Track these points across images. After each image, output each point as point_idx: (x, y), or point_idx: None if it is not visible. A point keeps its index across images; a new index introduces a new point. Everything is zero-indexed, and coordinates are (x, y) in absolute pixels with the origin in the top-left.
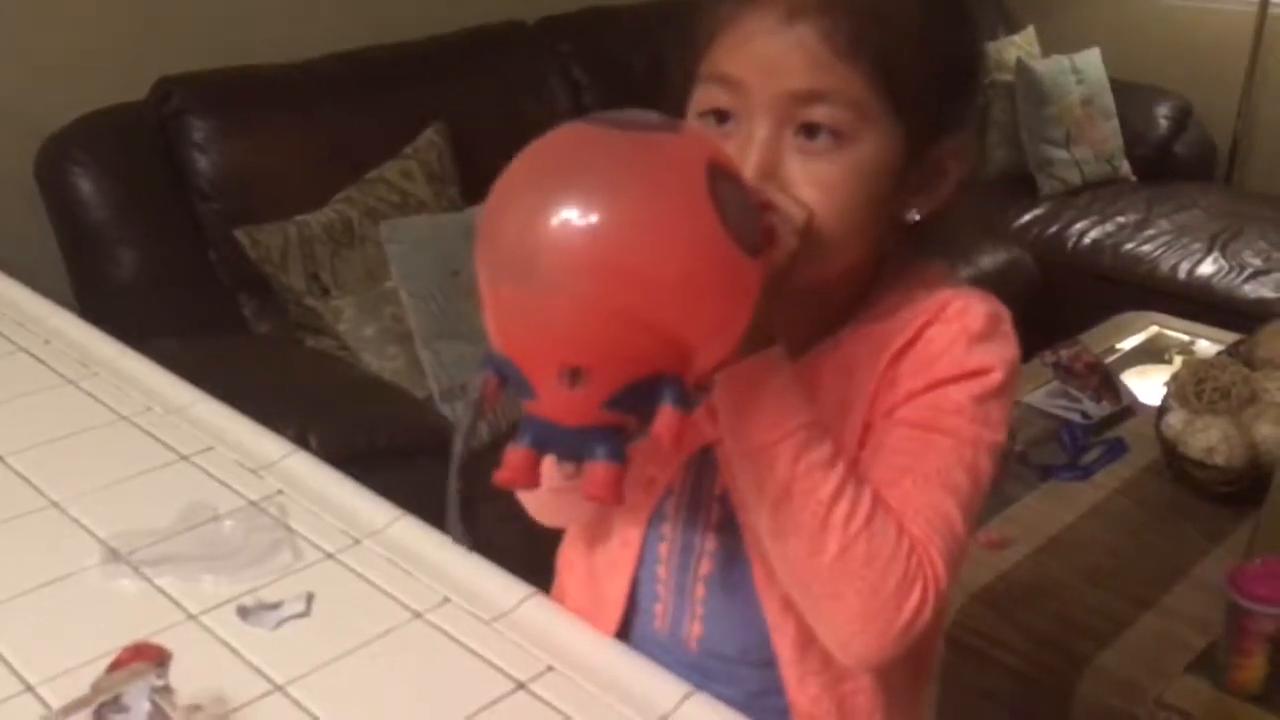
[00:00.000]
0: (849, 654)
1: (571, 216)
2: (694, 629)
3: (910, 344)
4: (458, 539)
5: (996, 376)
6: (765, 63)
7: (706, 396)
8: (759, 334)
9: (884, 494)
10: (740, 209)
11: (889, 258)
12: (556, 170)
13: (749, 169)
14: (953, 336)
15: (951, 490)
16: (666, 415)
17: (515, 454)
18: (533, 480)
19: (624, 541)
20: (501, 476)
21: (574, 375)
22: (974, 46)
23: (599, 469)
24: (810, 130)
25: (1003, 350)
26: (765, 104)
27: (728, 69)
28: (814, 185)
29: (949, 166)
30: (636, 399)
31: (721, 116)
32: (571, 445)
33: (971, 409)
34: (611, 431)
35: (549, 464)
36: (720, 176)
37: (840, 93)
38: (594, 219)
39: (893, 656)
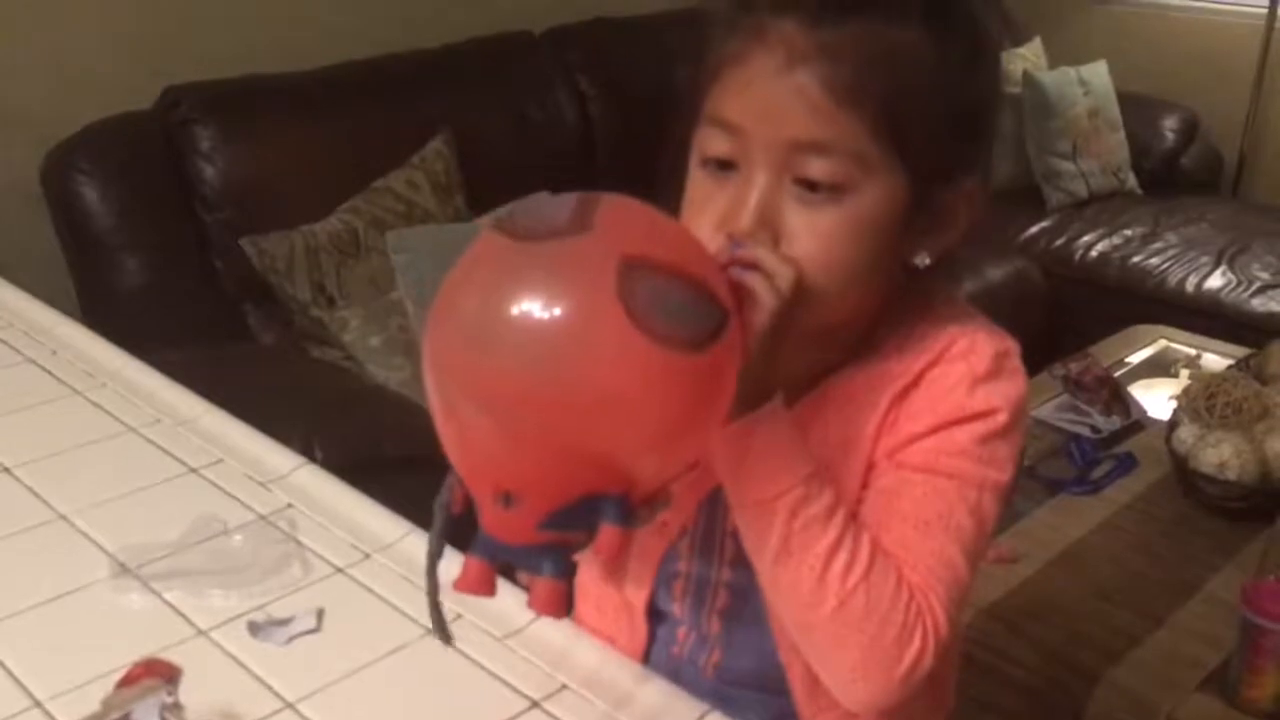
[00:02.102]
0: (851, 701)
1: (478, 348)
2: (712, 656)
3: (913, 385)
4: (440, 635)
5: (1001, 418)
6: (765, 110)
7: (665, 507)
8: (757, 389)
9: (885, 540)
10: (669, 303)
11: (896, 294)
12: (467, 302)
13: (745, 218)
14: (957, 378)
15: (954, 534)
16: (606, 534)
17: (471, 565)
18: (488, 590)
19: (637, 583)
20: (458, 586)
21: (505, 498)
22: (987, 91)
23: (541, 586)
24: (809, 180)
25: (1008, 390)
26: (764, 151)
27: (728, 114)
28: (813, 236)
29: (959, 211)
30: (575, 517)
31: (723, 163)
32: (517, 560)
33: (976, 451)
34: (553, 549)
35: None
36: (638, 272)
37: (840, 143)
38: (496, 349)
39: (895, 703)
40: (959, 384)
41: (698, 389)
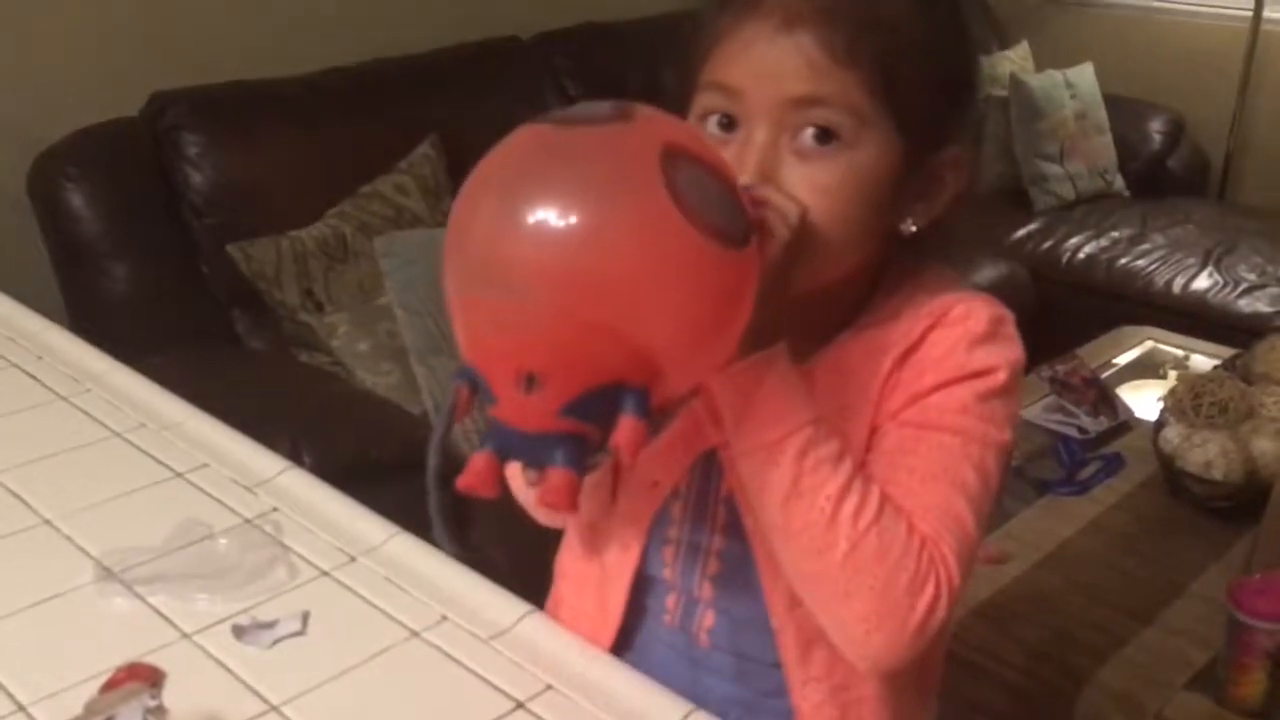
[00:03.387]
0: (864, 655)
1: (517, 222)
2: (704, 621)
3: (914, 348)
4: (447, 550)
5: (1000, 376)
6: (764, 70)
7: (671, 420)
8: (761, 335)
9: (892, 494)
10: (708, 194)
11: (889, 264)
12: (505, 177)
13: (747, 173)
14: (955, 339)
15: (960, 488)
16: (626, 426)
17: (478, 459)
18: (493, 487)
19: (624, 545)
20: (463, 481)
21: (529, 380)
22: (972, 58)
23: (556, 475)
24: (808, 135)
25: (1006, 351)
26: (764, 110)
27: (726, 77)
28: (811, 188)
29: (946, 177)
30: (596, 407)
31: (722, 124)
32: (531, 451)
33: (976, 408)
34: (571, 439)
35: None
36: (680, 161)
37: (838, 98)
38: (536, 223)
39: (908, 657)
40: (958, 344)
41: (728, 286)
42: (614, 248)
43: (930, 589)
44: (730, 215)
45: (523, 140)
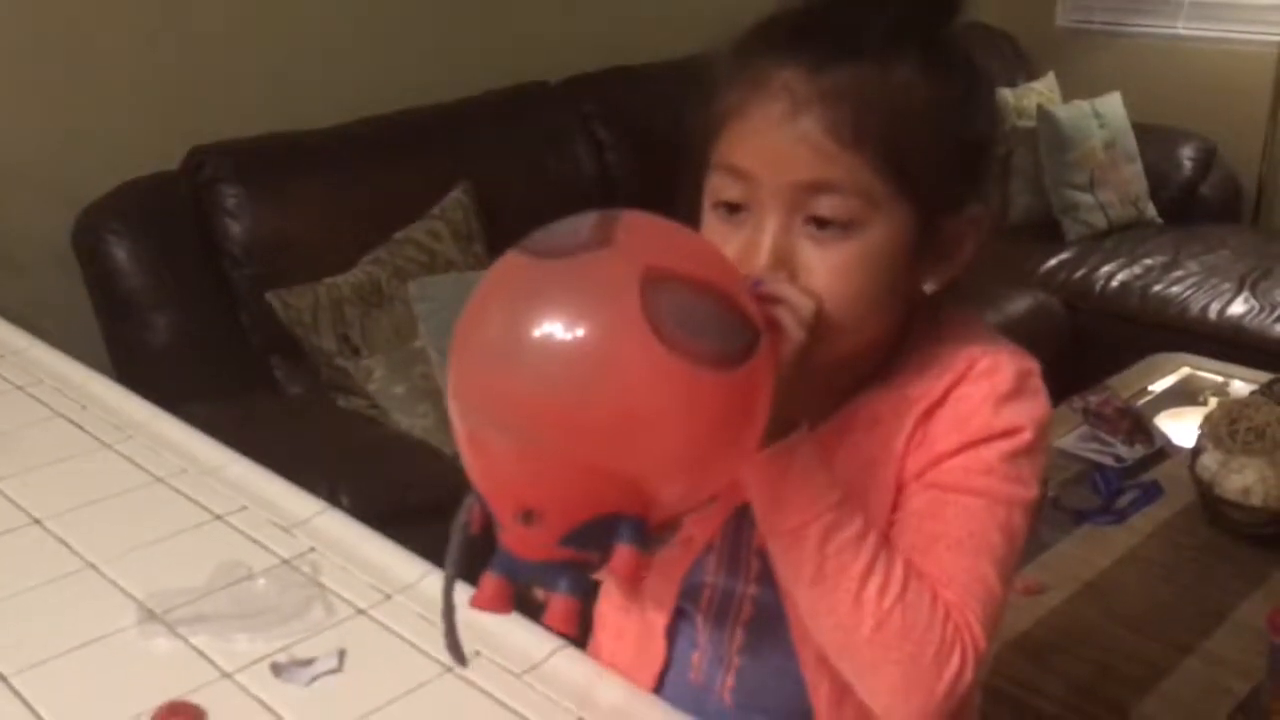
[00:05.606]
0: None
1: (501, 367)
2: (728, 680)
3: (938, 404)
4: (455, 656)
5: (1026, 436)
6: (772, 155)
7: (674, 532)
8: (780, 421)
9: (917, 560)
10: (696, 317)
11: (914, 319)
12: (488, 322)
13: (761, 258)
14: (981, 397)
15: (986, 552)
16: (622, 555)
17: (489, 582)
18: (505, 607)
19: (659, 599)
20: (475, 601)
21: (527, 515)
22: (986, 124)
23: (558, 603)
24: (820, 219)
25: (1032, 408)
26: (774, 195)
27: (737, 161)
28: (826, 271)
29: (965, 239)
30: (592, 537)
31: (735, 207)
32: (535, 577)
33: (1003, 468)
34: (572, 566)
35: None
36: (662, 286)
37: (847, 182)
38: (519, 368)
39: (937, 718)
40: (984, 403)
41: (727, 409)
42: (596, 389)
43: (956, 658)
44: (724, 335)
45: (503, 276)
